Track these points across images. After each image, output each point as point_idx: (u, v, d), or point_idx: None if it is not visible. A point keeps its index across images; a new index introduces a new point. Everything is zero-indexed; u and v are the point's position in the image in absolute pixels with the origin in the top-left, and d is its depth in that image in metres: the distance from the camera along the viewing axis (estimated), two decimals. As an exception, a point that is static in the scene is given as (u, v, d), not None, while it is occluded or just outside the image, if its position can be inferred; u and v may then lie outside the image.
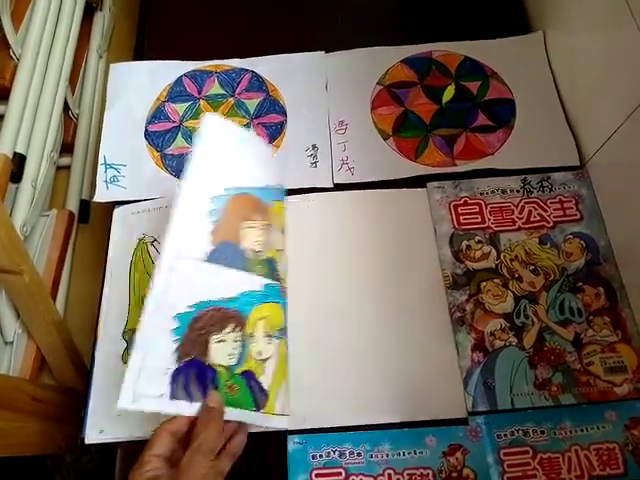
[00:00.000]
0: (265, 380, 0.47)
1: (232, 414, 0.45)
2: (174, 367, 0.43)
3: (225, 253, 0.47)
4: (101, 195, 0.63)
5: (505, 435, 0.50)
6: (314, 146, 0.65)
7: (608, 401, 0.51)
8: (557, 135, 0.65)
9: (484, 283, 0.57)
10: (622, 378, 0.52)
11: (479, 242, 0.59)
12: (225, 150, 0.51)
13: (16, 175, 0.70)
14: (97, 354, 0.55)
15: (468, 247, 0.59)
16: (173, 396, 0.43)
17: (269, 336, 0.48)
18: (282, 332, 0.50)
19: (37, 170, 0.75)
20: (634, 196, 0.55)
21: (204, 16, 0.77)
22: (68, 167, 0.91)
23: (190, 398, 0.43)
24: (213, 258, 0.46)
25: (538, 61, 0.70)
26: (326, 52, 0.72)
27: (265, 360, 0.48)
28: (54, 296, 0.75)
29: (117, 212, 0.62)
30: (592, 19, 0.61)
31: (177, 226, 0.45)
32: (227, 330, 0.46)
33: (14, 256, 0.59)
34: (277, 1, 0.78)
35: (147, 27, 0.78)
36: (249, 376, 0.46)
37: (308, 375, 0.53)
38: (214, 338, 0.45)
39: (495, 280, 0.57)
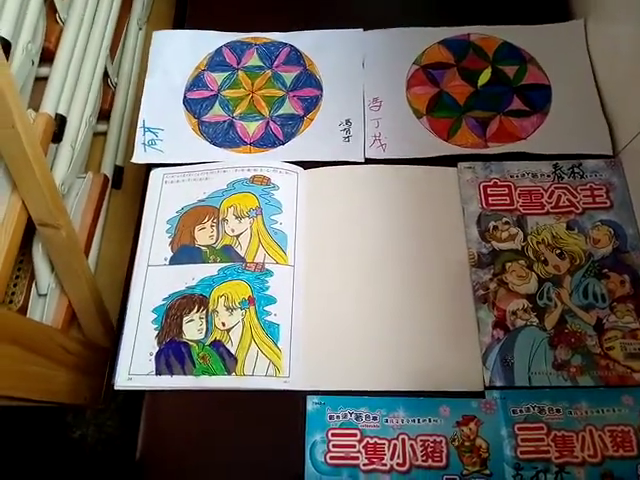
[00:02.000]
0: (232, 346, 0.54)
1: (209, 381, 0.53)
2: (156, 350, 0.54)
3: (184, 254, 0.59)
4: (139, 157, 0.66)
5: (520, 411, 0.51)
6: (348, 121, 0.66)
7: (626, 386, 0.52)
8: (591, 123, 0.65)
9: (509, 264, 0.57)
10: (642, 364, 0.52)
11: (506, 223, 0.60)
12: None
13: (57, 135, 0.73)
14: (128, 312, 0.57)
15: (495, 227, 0.60)
16: (158, 372, 0.53)
17: (230, 309, 0.55)
18: (245, 303, 0.56)
19: (76, 132, 0.77)
20: (666, 187, 0.56)
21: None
22: (104, 134, 0.94)
23: (170, 372, 0.53)
24: (174, 261, 0.58)
25: (577, 49, 0.70)
26: (364, 29, 0.73)
27: (230, 329, 0.55)
28: (86, 255, 0.78)
29: (154, 173, 0.64)
30: (636, 9, 0.60)
31: (144, 243, 0.60)
32: (194, 311, 0.56)
33: (54, 211, 0.62)
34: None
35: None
36: (217, 345, 0.54)
37: (330, 342, 0.55)
38: (185, 319, 0.55)
39: (520, 261, 0.58)
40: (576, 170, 0.63)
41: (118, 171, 0.93)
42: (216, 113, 0.68)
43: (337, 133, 0.66)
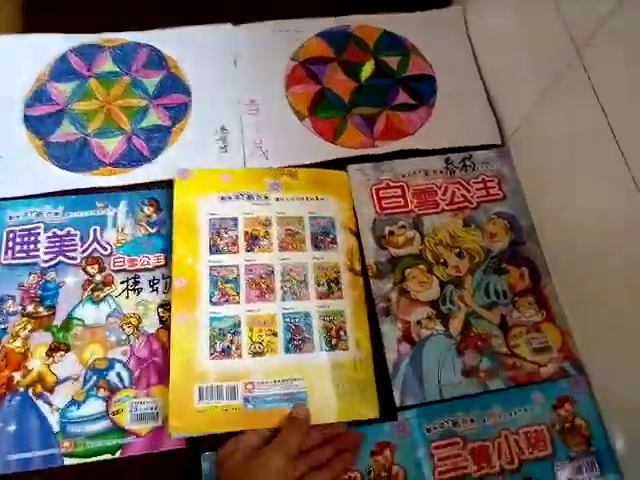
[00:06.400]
0: None
1: None
2: None
3: None
4: (-28, 192, 0.58)
5: (435, 428, 0.51)
6: (223, 128, 0.63)
7: (535, 382, 0.53)
8: (478, 113, 0.67)
9: (409, 270, 0.57)
10: (548, 358, 0.55)
11: (402, 227, 0.60)
12: None
13: None
14: None
15: (391, 233, 0.59)
16: None
17: None
18: None
19: None
20: (551, 173, 0.58)
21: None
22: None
23: None
24: None
25: (458, 36, 0.72)
26: (234, 24, 0.70)
27: None
28: None
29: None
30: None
31: None
32: None
33: None
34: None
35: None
36: None
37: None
38: None
39: (420, 266, 0.58)
40: (467, 163, 0.64)
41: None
42: (65, 131, 0.61)
43: (212, 143, 0.62)
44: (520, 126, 0.63)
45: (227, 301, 0.53)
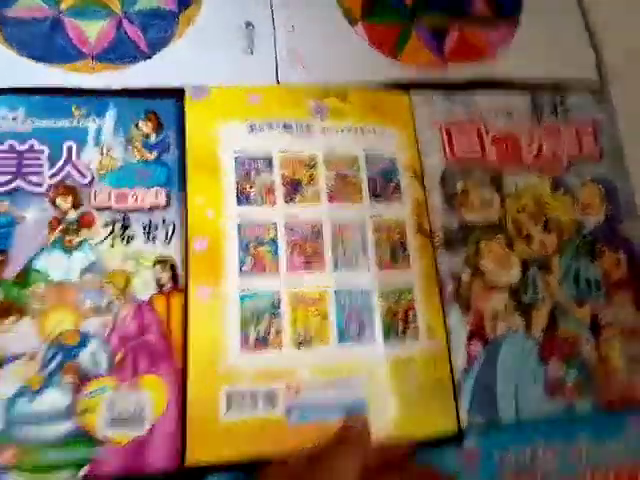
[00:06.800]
0: None
1: None
2: None
3: None
4: None
5: (509, 459, 0.40)
6: (248, 24, 0.47)
7: (632, 405, 0.43)
8: (572, 38, 0.53)
9: (484, 242, 0.45)
10: (647, 372, 0.44)
11: (478, 184, 0.46)
12: None
13: None
14: None
15: (464, 191, 0.46)
16: None
17: None
18: None
19: None
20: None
21: None
22: None
23: None
24: None
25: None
26: None
27: None
28: None
29: None
30: None
31: None
32: None
33: None
34: None
35: None
36: None
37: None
38: None
39: (498, 238, 0.45)
40: (559, 108, 0.50)
41: None
42: (29, 5, 0.44)
43: (234, 42, 0.46)
44: (627, 61, 0.49)
45: (262, 271, 0.39)
